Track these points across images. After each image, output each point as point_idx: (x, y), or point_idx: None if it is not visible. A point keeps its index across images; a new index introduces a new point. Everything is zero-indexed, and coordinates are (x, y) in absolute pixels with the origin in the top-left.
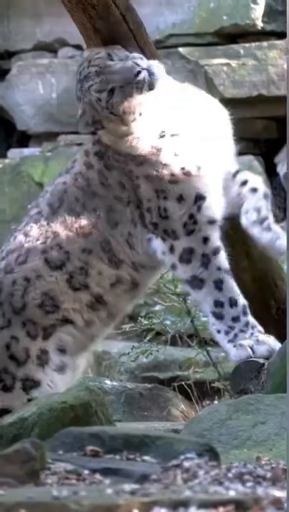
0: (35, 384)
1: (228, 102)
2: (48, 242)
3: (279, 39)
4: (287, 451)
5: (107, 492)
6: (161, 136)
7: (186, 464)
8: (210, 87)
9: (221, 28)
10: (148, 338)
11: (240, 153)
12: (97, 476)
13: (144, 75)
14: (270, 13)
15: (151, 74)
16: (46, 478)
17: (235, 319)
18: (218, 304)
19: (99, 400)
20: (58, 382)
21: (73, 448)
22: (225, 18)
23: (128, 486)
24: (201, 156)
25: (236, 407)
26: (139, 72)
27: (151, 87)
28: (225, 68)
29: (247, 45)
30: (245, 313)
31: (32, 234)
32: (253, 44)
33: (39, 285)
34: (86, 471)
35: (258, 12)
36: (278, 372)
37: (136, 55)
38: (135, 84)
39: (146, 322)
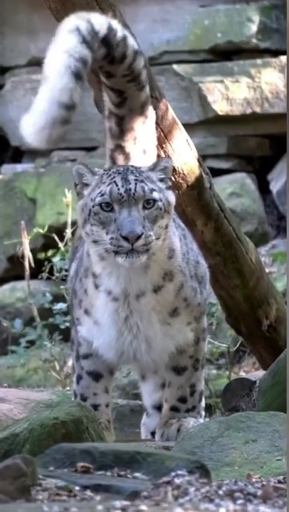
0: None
1: (221, 120)
2: None
3: (273, 57)
4: (287, 465)
5: (98, 508)
6: None
7: (177, 480)
8: (204, 104)
9: (215, 45)
10: None
11: (233, 170)
12: (88, 493)
13: None
14: (264, 31)
15: None
16: (37, 494)
17: None
18: None
19: (90, 416)
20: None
21: (64, 464)
22: (219, 35)
23: (119, 503)
24: None
25: (227, 425)
26: None
27: None
28: (219, 85)
29: (241, 62)
30: None
31: None
32: (247, 61)
33: None
34: (77, 488)
35: (252, 29)
36: (270, 390)
37: None
38: None
39: None
